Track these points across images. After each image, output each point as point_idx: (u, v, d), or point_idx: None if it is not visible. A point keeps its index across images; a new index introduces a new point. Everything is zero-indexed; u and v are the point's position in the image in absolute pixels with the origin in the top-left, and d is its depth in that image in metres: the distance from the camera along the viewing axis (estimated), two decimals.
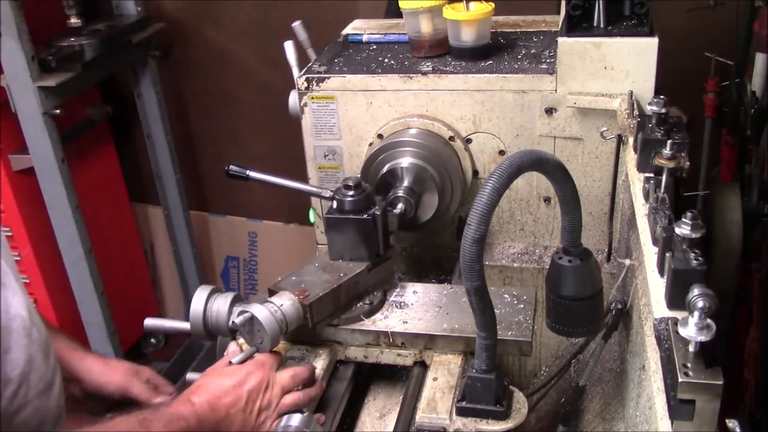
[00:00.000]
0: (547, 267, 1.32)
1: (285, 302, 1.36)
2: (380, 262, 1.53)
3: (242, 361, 1.37)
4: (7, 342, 1.09)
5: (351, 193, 1.49)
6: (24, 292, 1.19)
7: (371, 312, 1.50)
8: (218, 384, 1.27)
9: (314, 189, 1.68)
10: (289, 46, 1.87)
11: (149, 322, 1.56)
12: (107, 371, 1.46)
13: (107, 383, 1.44)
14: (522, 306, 1.48)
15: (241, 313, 1.32)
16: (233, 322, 1.36)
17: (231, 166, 1.66)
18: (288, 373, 1.34)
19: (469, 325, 1.43)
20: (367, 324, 1.48)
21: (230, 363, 1.39)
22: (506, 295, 1.51)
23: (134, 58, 3.06)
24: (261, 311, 1.32)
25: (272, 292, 1.42)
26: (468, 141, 1.79)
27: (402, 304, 1.53)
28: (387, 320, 1.49)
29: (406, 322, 1.47)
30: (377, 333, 1.47)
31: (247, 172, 1.65)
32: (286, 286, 1.44)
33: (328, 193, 1.56)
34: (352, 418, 1.48)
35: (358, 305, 1.50)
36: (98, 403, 1.47)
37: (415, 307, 1.52)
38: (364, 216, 1.49)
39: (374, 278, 1.53)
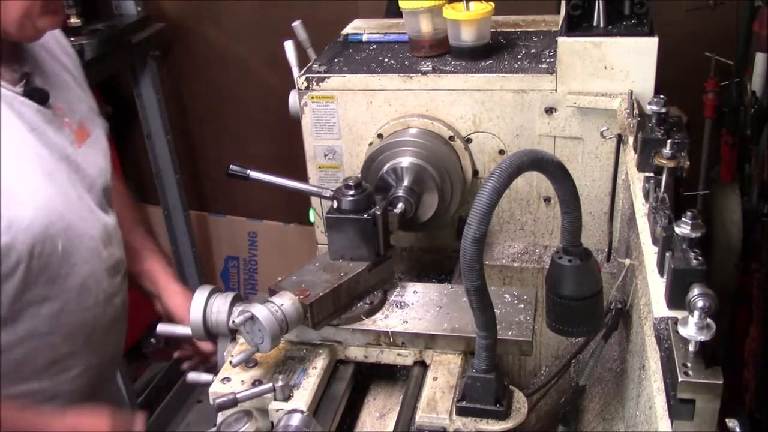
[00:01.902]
0: (547, 267, 1.32)
1: (285, 302, 1.36)
2: (381, 262, 1.53)
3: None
4: (74, 258, 1.45)
5: (351, 192, 1.49)
6: (112, 215, 1.59)
7: (371, 312, 1.50)
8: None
9: (315, 189, 1.68)
10: (289, 46, 1.86)
11: (161, 328, 1.57)
12: (184, 306, 1.63)
13: (181, 317, 1.65)
14: (522, 306, 1.48)
15: (241, 312, 1.32)
16: (233, 321, 1.36)
17: (231, 166, 1.66)
18: None
19: (470, 324, 1.43)
20: (368, 324, 1.48)
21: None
22: (507, 295, 1.51)
23: (134, 58, 3.06)
24: (261, 311, 1.32)
25: (273, 292, 1.42)
26: (468, 140, 1.79)
27: (402, 303, 1.53)
28: (387, 320, 1.48)
29: (407, 322, 1.47)
30: (378, 333, 1.46)
31: (248, 171, 1.65)
32: (287, 285, 1.43)
33: (328, 193, 1.56)
34: (352, 418, 1.48)
35: (359, 305, 1.50)
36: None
37: (416, 307, 1.52)
38: (365, 216, 1.49)
39: (375, 278, 1.53)
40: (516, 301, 1.49)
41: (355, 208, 1.49)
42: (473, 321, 1.24)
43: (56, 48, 1.59)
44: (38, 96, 1.42)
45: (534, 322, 1.44)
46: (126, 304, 1.69)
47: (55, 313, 1.45)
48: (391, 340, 1.46)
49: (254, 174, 1.64)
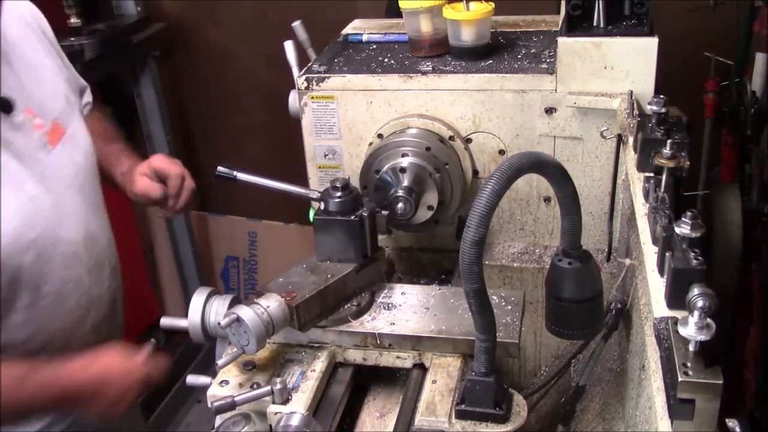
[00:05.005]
0: (547, 267, 1.32)
1: (271, 304, 1.36)
2: (368, 264, 1.52)
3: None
4: (49, 265, 1.44)
5: (338, 194, 1.49)
6: (99, 213, 1.61)
7: (359, 313, 1.49)
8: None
9: (302, 191, 1.67)
10: (289, 46, 1.86)
11: (165, 321, 1.56)
12: (146, 184, 1.75)
13: (145, 191, 1.75)
14: (510, 308, 1.47)
15: (227, 314, 1.32)
16: (219, 323, 1.36)
17: (219, 168, 1.66)
18: None
19: (457, 326, 1.43)
20: (355, 325, 1.47)
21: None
22: (494, 297, 1.49)
23: (134, 58, 3.06)
24: (247, 313, 1.32)
25: (259, 294, 1.41)
26: (468, 140, 1.79)
27: (390, 305, 1.52)
28: (375, 321, 1.48)
29: (394, 324, 1.46)
30: (364, 335, 1.46)
31: (235, 173, 1.64)
32: (274, 287, 1.43)
33: (315, 195, 1.56)
34: (352, 418, 1.48)
35: (346, 307, 1.49)
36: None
37: (403, 309, 1.51)
38: (351, 217, 1.49)
39: (362, 280, 1.52)
40: (503, 303, 1.49)
41: (342, 209, 1.49)
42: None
43: (31, 30, 1.55)
44: (1, 106, 1.39)
45: (521, 324, 1.44)
46: (116, 300, 1.68)
47: (29, 321, 1.44)
48: (378, 342, 1.45)
49: (242, 176, 1.64)
